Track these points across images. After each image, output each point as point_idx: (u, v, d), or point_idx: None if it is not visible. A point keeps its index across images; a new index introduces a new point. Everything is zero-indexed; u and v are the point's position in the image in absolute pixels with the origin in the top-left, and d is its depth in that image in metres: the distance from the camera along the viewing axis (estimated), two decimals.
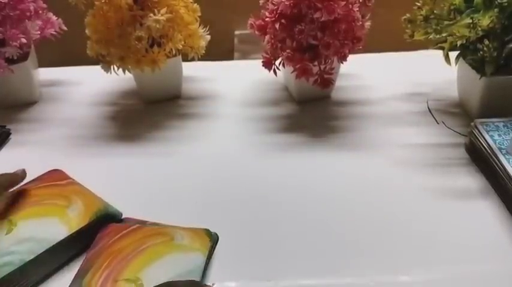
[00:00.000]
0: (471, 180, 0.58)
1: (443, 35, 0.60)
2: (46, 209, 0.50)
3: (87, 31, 0.68)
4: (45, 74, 0.82)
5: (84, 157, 0.65)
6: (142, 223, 0.51)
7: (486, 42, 0.59)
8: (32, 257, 0.46)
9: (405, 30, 0.64)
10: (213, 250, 0.49)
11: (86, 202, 0.52)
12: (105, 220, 0.51)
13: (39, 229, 0.48)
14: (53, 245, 0.47)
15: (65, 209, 0.50)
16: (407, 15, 0.63)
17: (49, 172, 0.57)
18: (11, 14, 0.67)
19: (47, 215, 0.50)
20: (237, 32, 1.19)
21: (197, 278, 0.45)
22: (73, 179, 0.56)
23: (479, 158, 0.59)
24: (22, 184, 0.53)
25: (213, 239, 0.50)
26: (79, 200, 0.52)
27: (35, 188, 0.53)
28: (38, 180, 0.55)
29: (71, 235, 0.48)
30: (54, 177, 0.56)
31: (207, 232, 0.50)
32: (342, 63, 0.68)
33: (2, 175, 0.51)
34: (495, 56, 0.59)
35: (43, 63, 0.80)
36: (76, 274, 0.45)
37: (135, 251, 0.46)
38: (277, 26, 0.64)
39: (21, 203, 0.51)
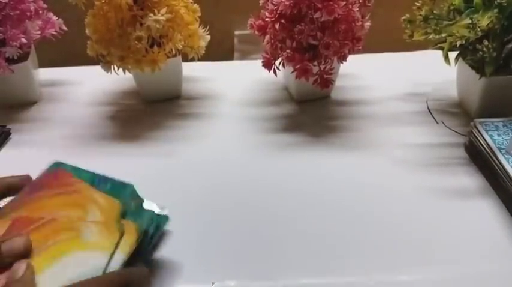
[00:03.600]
0: (470, 180, 0.58)
1: (443, 35, 0.61)
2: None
3: (87, 31, 0.68)
4: (45, 74, 0.82)
5: (85, 157, 0.65)
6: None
7: (486, 42, 0.59)
8: None
9: (405, 30, 0.64)
10: (119, 244, 0.43)
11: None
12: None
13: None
14: None
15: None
16: (407, 15, 0.64)
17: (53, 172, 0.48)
18: (12, 14, 0.67)
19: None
20: (237, 32, 1.18)
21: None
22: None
23: (479, 158, 0.59)
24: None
25: (121, 232, 0.44)
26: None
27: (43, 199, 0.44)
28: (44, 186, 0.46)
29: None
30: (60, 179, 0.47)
31: (119, 226, 0.44)
32: (342, 63, 0.68)
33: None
34: (495, 57, 0.59)
35: (43, 63, 0.81)
36: None
37: (38, 249, 0.40)
38: (277, 26, 0.64)
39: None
